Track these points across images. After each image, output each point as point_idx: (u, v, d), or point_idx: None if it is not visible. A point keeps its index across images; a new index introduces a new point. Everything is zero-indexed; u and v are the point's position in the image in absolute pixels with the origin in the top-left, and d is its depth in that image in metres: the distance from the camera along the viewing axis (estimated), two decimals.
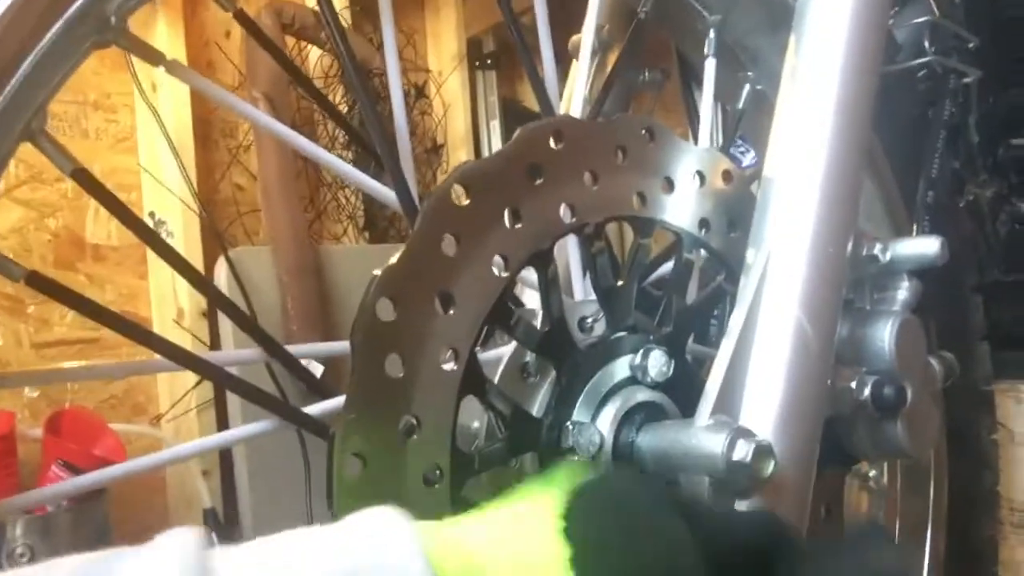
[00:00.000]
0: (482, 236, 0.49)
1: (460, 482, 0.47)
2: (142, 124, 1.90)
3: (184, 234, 1.89)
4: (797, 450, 0.49)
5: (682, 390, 0.58)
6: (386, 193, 0.53)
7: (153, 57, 0.47)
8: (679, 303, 0.59)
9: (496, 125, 2.93)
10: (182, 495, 1.93)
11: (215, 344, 1.92)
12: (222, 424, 1.94)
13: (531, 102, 3.27)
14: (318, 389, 0.52)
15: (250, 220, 2.15)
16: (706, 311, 0.61)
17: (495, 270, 0.50)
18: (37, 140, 0.43)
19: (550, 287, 0.53)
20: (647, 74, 0.96)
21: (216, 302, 0.49)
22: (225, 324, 1.94)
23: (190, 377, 1.93)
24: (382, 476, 0.45)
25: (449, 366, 0.48)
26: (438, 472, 0.47)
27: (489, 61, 2.98)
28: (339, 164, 0.54)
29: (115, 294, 1.88)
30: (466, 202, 0.48)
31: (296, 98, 2.22)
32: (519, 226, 0.51)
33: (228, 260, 1.91)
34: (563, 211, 0.53)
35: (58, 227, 1.76)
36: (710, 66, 0.72)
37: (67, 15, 0.42)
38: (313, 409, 0.49)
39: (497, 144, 2.93)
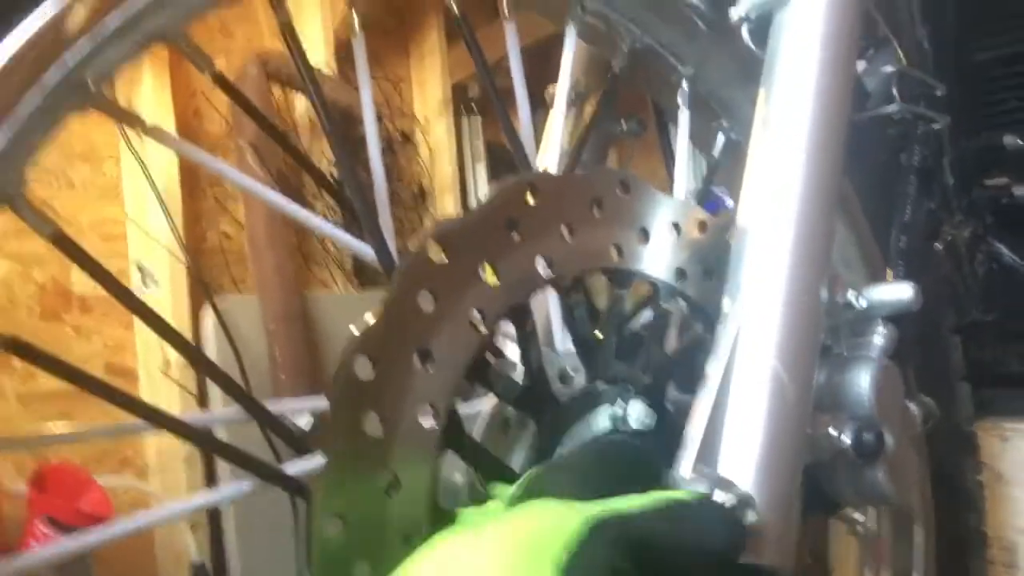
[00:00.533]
0: (460, 292, 0.49)
1: None
2: (128, 174, 1.91)
3: (170, 283, 1.89)
4: (778, 499, 0.49)
5: (663, 440, 0.58)
6: (364, 248, 0.53)
7: (133, 121, 0.48)
8: (658, 353, 0.60)
9: (482, 169, 2.96)
10: (170, 549, 1.91)
11: (203, 393, 1.91)
12: (210, 475, 1.93)
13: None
14: (299, 447, 0.52)
15: (237, 268, 2.15)
16: (685, 360, 0.62)
17: (473, 325, 0.50)
18: (16, 205, 0.44)
19: (528, 341, 0.53)
20: (624, 124, 0.98)
21: (199, 364, 0.49)
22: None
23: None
24: (361, 535, 0.44)
25: (429, 423, 0.48)
26: (419, 530, 0.46)
27: (474, 106, 3.02)
28: (315, 220, 0.55)
29: (101, 345, 1.87)
30: (443, 259, 0.49)
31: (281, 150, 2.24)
32: (496, 280, 0.51)
33: (215, 309, 1.91)
34: (540, 265, 0.54)
35: (44, 279, 1.75)
36: (684, 117, 0.74)
37: (43, 82, 0.42)
38: (294, 467, 0.49)
39: (484, 188, 2.95)
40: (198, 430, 0.47)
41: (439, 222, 0.49)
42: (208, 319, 1.92)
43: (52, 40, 0.42)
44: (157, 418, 0.48)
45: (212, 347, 1.92)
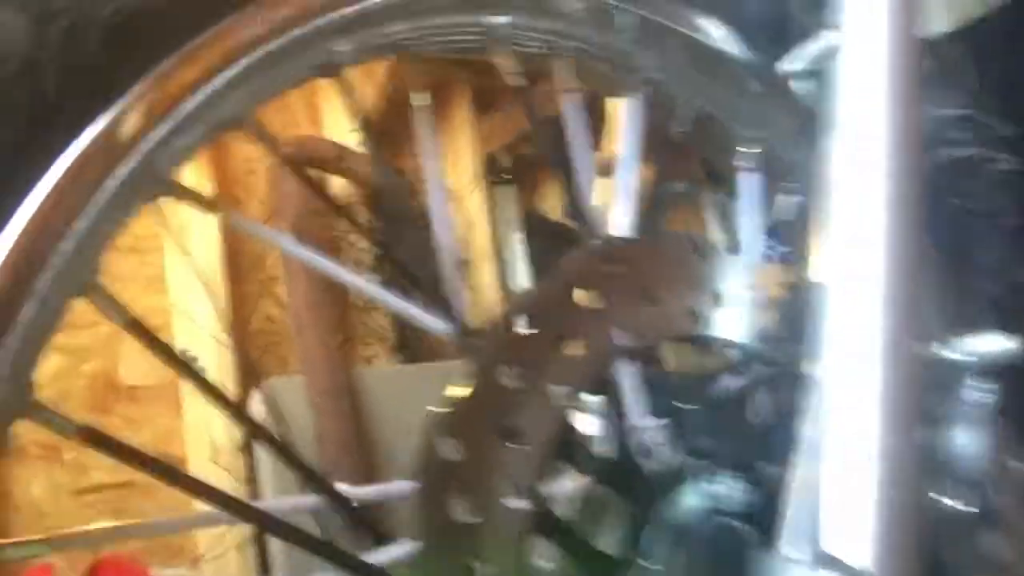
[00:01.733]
0: (542, 365, 0.48)
1: None
2: (171, 264, 1.93)
3: (217, 369, 1.90)
4: (898, 573, 0.46)
5: (757, 515, 0.55)
6: (436, 323, 0.52)
7: (210, 206, 0.48)
8: (744, 422, 0.57)
9: (518, 238, 2.96)
10: None
11: (252, 480, 1.89)
12: (263, 563, 1.89)
13: (552, 212, 3.31)
14: (373, 533, 0.50)
15: (281, 349, 2.15)
16: (773, 429, 0.59)
17: (556, 399, 0.48)
18: (91, 295, 0.43)
19: (614, 413, 0.51)
20: (678, 185, 0.97)
21: (280, 452, 0.48)
22: (263, 460, 1.91)
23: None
24: None
25: (516, 505, 0.45)
26: None
27: (506, 176, 3.03)
28: (391, 298, 0.54)
29: (150, 434, 1.87)
30: (523, 331, 0.47)
31: (320, 228, 2.26)
32: (578, 352, 0.49)
33: (263, 393, 1.90)
34: (618, 334, 0.52)
35: (94, 371, 1.76)
36: (750, 180, 0.72)
37: (120, 173, 0.42)
38: (375, 557, 0.47)
39: (520, 257, 2.94)
40: (279, 520, 0.45)
41: (516, 294, 0.48)
42: (256, 402, 1.92)
43: (127, 130, 0.42)
44: (235, 507, 0.46)
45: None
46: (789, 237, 0.76)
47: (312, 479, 0.50)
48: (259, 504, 0.45)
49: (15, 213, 0.38)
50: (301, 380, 2.01)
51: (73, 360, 1.73)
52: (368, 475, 2.05)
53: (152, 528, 0.49)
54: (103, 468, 1.73)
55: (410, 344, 2.56)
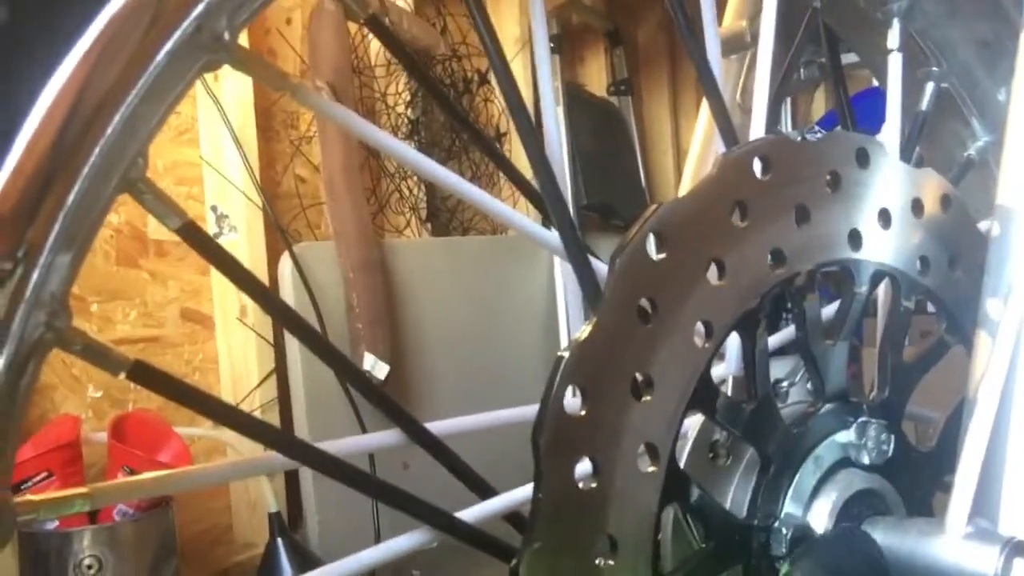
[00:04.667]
0: (682, 299, 0.39)
1: None
2: (203, 115, 1.82)
3: (247, 230, 1.82)
4: None
5: (901, 469, 0.47)
6: (548, 238, 0.43)
7: (276, 80, 0.38)
8: (896, 362, 0.48)
9: (560, 111, 2.81)
10: (246, 498, 1.88)
11: (279, 341, 1.85)
12: (286, 424, 1.88)
13: (593, 86, 3.14)
14: (396, 416, 0.42)
15: (312, 213, 2.07)
16: (923, 371, 0.50)
17: (697, 340, 0.39)
18: (137, 191, 0.34)
19: (758, 355, 0.42)
20: (802, 71, 0.85)
21: (304, 336, 0.40)
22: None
23: (253, 375, 1.86)
24: None
25: (648, 467, 0.37)
26: None
27: (552, 45, 2.86)
28: (494, 204, 0.44)
29: (178, 290, 1.82)
30: (661, 256, 0.38)
31: (359, 87, 2.13)
32: (723, 282, 0.40)
33: (293, 257, 1.84)
34: (770, 259, 0.42)
35: (120, 223, 1.69)
36: (895, 62, 0.61)
37: (174, 36, 0.32)
38: (470, 514, 0.40)
39: (561, 131, 2.80)
40: (364, 475, 0.38)
41: (655, 206, 0.38)
42: (286, 267, 1.85)
43: None
44: (305, 454, 0.39)
45: (289, 294, 1.86)
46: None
47: (339, 362, 0.43)
48: (326, 447, 0.38)
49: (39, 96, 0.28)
50: (331, 246, 1.94)
51: None
52: (398, 348, 2.02)
53: (195, 478, 0.42)
54: (129, 321, 1.70)
55: (440, 215, 2.47)
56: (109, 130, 0.29)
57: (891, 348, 0.48)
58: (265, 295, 0.40)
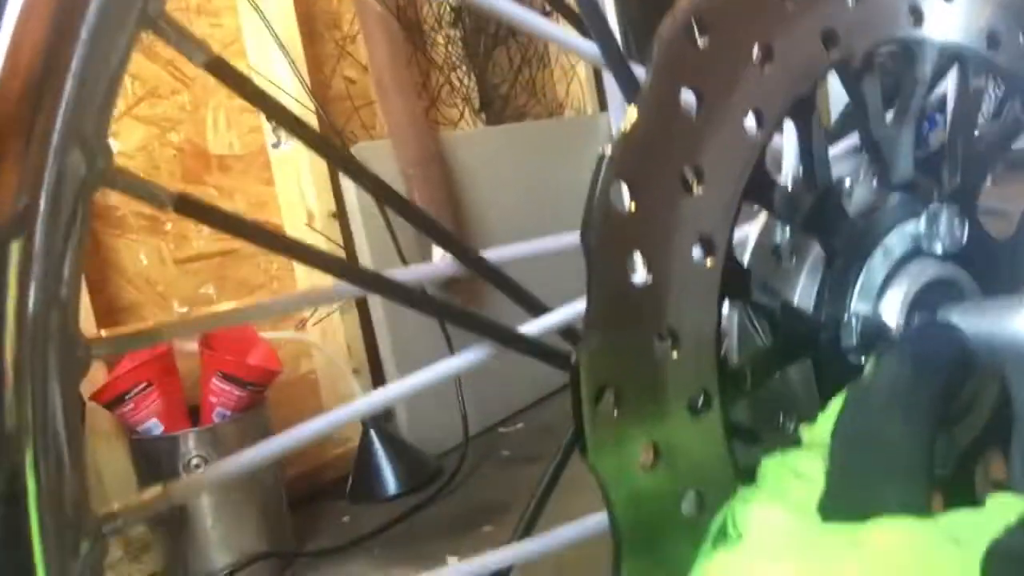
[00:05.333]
0: (730, 86, 0.37)
1: (731, 406, 0.37)
2: (247, 25, 1.81)
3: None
4: None
5: (977, 258, 0.45)
6: (587, 48, 0.41)
7: None
8: (967, 146, 0.46)
9: None
10: (334, 394, 1.95)
11: (348, 245, 1.88)
12: (366, 325, 1.92)
13: None
14: (528, 304, 0.42)
15: (365, 114, 2.06)
16: (997, 155, 0.48)
17: (747, 130, 0.38)
18: (158, 26, 0.33)
19: (815, 143, 0.40)
20: None
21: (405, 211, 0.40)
22: (357, 225, 1.89)
23: (328, 278, 1.90)
24: (639, 409, 0.35)
25: (704, 261, 0.37)
26: (703, 396, 0.37)
27: None
28: (536, 20, 0.42)
29: (244, 203, 1.85)
30: (705, 42, 0.36)
31: None
32: (772, 67, 0.38)
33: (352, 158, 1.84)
34: (822, 40, 0.40)
35: (181, 141, 1.71)
36: None
37: None
38: (530, 328, 0.40)
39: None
40: (428, 297, 0.38)
41: None
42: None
43: None
44: (356, 277, 0.39)
45: (352, 196, 1.87)
46: None
47: (442, 236, 0.42)
48: (393, 274, 0.38)
49: None
50: (387, 144, 1.93)
51: (159, 131, 1.68)
52: (461, 239, 2.03)
53: (271, 307, 0.42)
54: (204, 238, 1.74)
55: (493, 104, 2.44)
56: None
57: (961, 131, 0.46)
58: (301, 126, 0.39)
